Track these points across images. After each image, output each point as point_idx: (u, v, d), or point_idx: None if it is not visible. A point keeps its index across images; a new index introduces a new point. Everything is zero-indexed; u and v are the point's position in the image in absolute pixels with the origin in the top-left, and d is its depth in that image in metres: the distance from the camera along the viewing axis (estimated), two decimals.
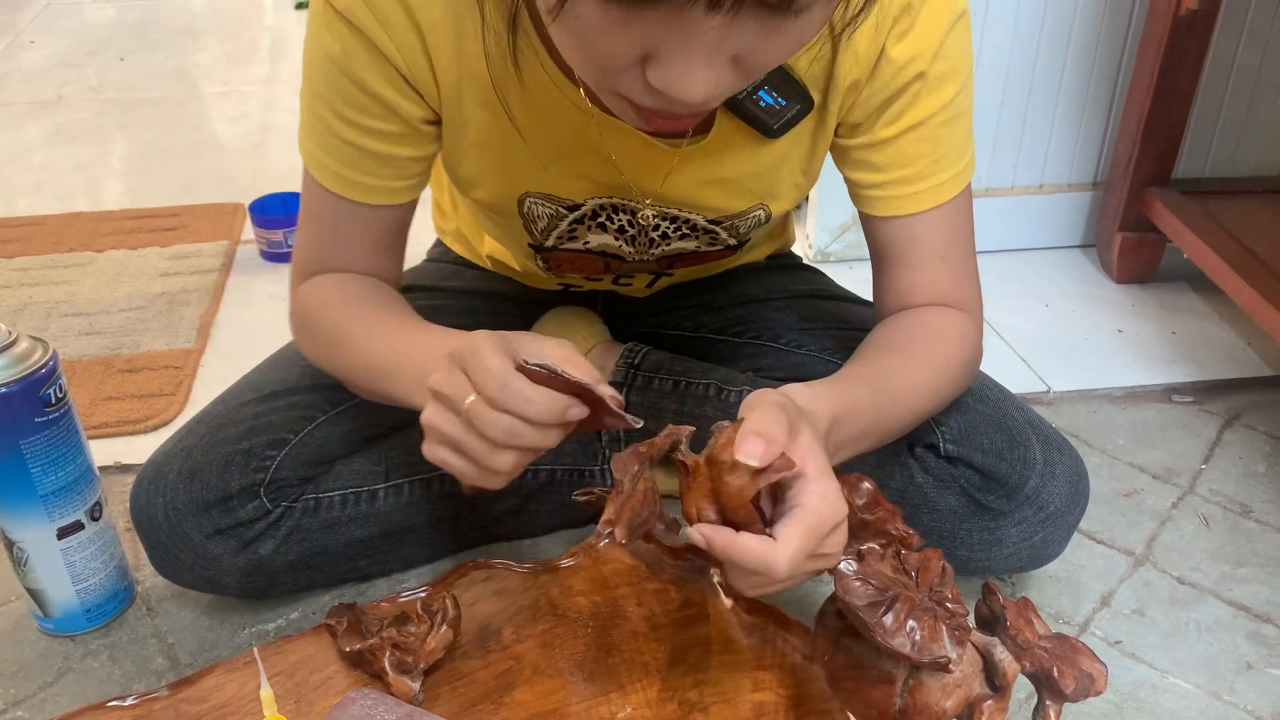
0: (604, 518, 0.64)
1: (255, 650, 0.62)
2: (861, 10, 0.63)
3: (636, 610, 0.82)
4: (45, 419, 0.82)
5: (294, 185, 1.57)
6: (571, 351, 0.66)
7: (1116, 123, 1.43)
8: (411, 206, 0.84)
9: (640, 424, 0.65)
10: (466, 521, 0.95)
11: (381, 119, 0.77)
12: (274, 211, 1.46)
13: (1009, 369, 1.26)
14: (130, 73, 2.25)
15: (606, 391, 0.64)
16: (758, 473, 0.59)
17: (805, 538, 0.59)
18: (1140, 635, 0.91)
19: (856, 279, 0.89)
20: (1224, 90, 1.43)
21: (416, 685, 0.75)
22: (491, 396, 0.62)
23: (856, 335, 0.93)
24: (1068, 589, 0.95)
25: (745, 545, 0.60)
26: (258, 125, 1.98)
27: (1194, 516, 1.04)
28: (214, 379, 1.23)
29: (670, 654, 0.79)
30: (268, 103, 2.09)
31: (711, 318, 1.05)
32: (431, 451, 0.68)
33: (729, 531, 0.61)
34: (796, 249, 1.13)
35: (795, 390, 0.68)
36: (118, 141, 1.91)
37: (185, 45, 2.44)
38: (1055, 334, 1.33)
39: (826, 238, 1.46)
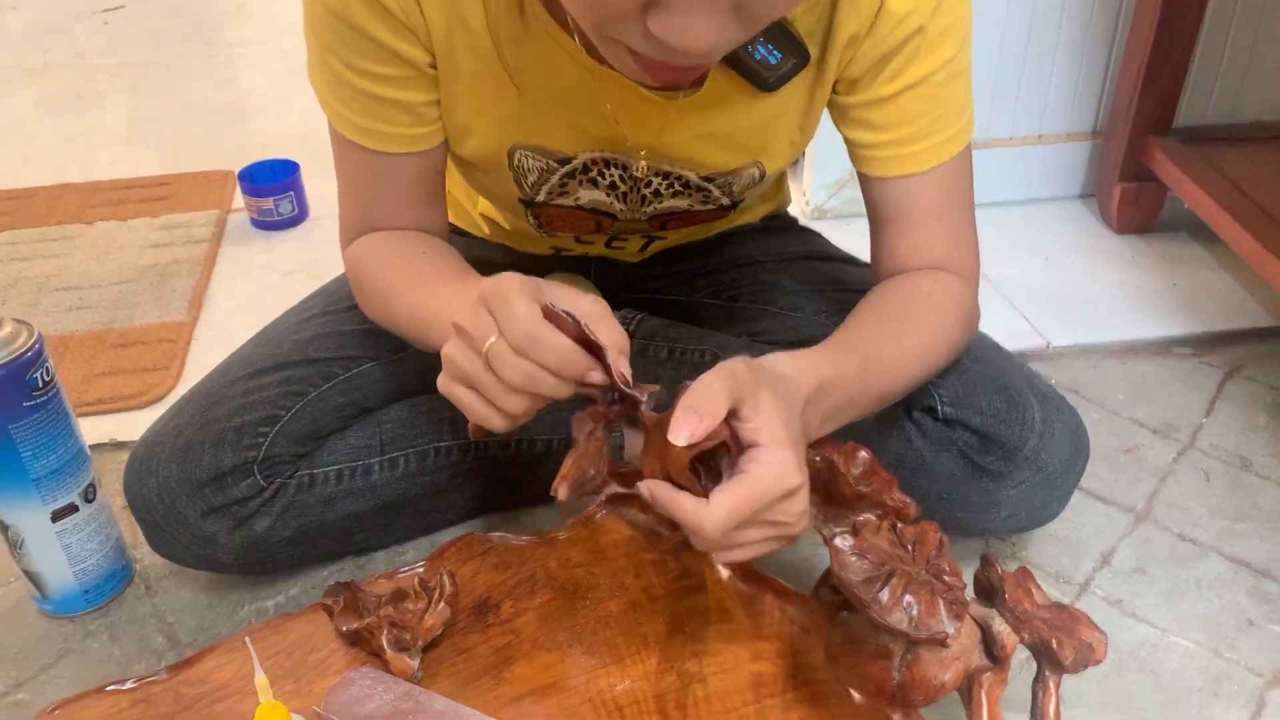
0: (557, 475, 0.65)
1: (247, 639, 0.62)
2: None
3: (634, 581, 0.82)
4: (33, 403, 0.81)
5: (281, 151, 1.57)
6: (604, 309, 0.65)
7: (1116, 69, 1.41)
8: (439, 154, 0.83)
9: (644, 399, 0.64)
10: (463, 493, 0.95)
11: (388, 64, 0.76)
12: (263, 180, 1.45)
13: (1009, 325, 1.25)
14: (114, 36, 2.22)
15: (618, 368, 0.63)
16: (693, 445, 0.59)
17: (736, 504, 0.60)
18: (1141, 594, 0.91)
19: (854, 234, 0.88)
20: (1227, 33, 1.40)
21: (415, 663, 0.74)
22: (515, 342, 0.62)
23: (853, 297, 0.92)
24: (1068, 548, 0.95)
25: (680, 504, 0.62)
26: (243, 89, 1.95)
27: (1195, 471, 1.04)
28: (207, 351, 1.22)
29: (668, 625, 0.78)
30: (251, 65, 2.06)
31: (706, 282, 1.03)
32: (446, 386, 0.67)
33: (669, 488, 0.63)
34: (793, 206, 1.11)
35: (781, 359, 0.68)
36: (104, 109, 1.89)
37: (167, 6, 2.39)
38: (1055, 287, 1.32)
39: (823, 194, 1.45)
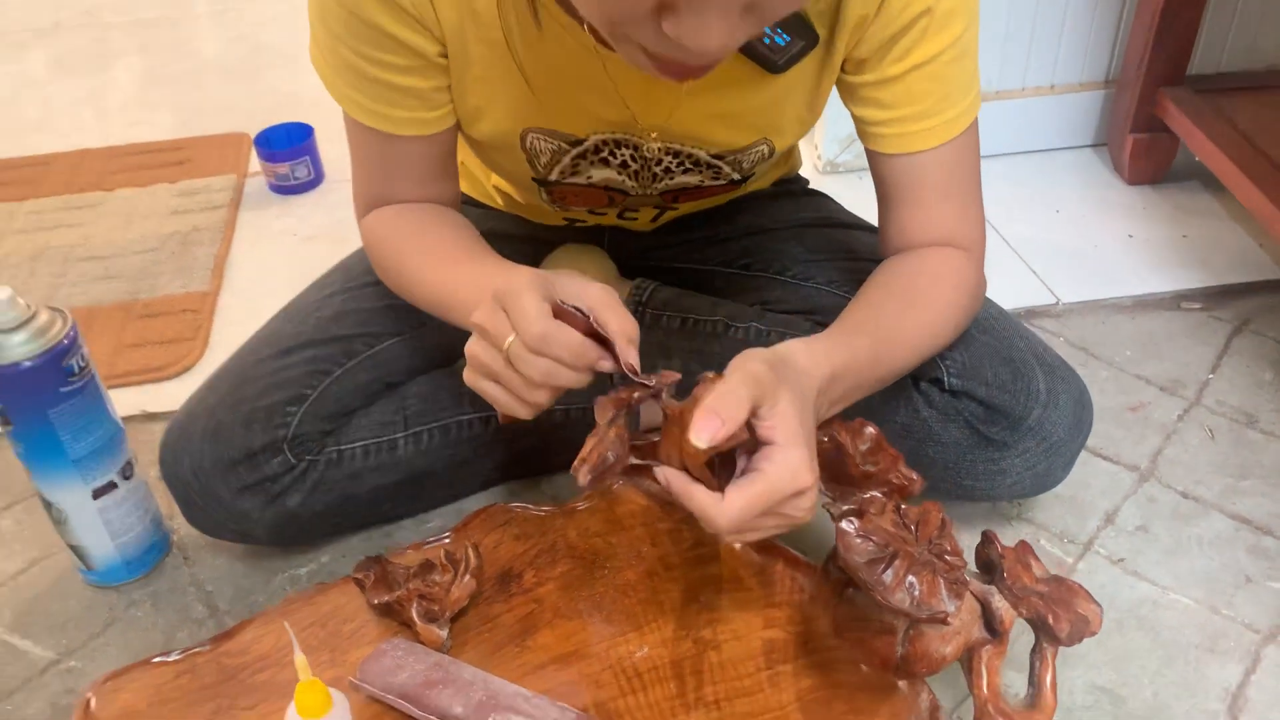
0: (578, 456, 0.68)
1: (287, 624, 0.66)
2: None
3: (651, 550, 0.85)
4: (70, 388, 0.84)
5: (293, 112, 1.58)
6: (612, 297, 0.68)
7: (1130, 17, 1.39)
8: (450, 135, 0.85)
9: (654, 385, 0.67)
10: (485, 462, 0.98)
11: (398, 54, 0.77)
12: (279, 145, 1.46)
13: (1019, 281, 1.26)
14: None
15: (626, 358, 0.66)
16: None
17: (749, 502, 0.63)
18: (1143, 552, 0.93)
19: (865, 188, 0.90)
20: None
21: (444, 633, 0.78)
22: (530, 341, 0.65)
23: (862, 265, 0.94)
24: (1073, 507, 0.98)
25: (695, 496, 0.65)
26: (254, 46, 1.95)
27: (1200, 429, 1.06)
28: (231, 321, 1.25)
29: (684, 593, 0.82)
30: (260, 21, 2.05)
31: (718, 250, 1.05)
32: (473, 381, 0.71)
33: (685, 479, 0.66)
34: (805, 160, 1.12)
35: (795, 350, 0.70)
36: (118, 70, 1.89)
37: None
38: (1065, 241, 1.33)
39: (835, 148, 1.45)
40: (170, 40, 2.00)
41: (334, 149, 1.50)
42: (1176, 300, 1.23)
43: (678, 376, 0.68)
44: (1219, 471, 1.01)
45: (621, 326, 0.66)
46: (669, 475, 0.66)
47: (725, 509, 0.63)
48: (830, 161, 1.46)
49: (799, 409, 0.64)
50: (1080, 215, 1.37)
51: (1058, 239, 1.33)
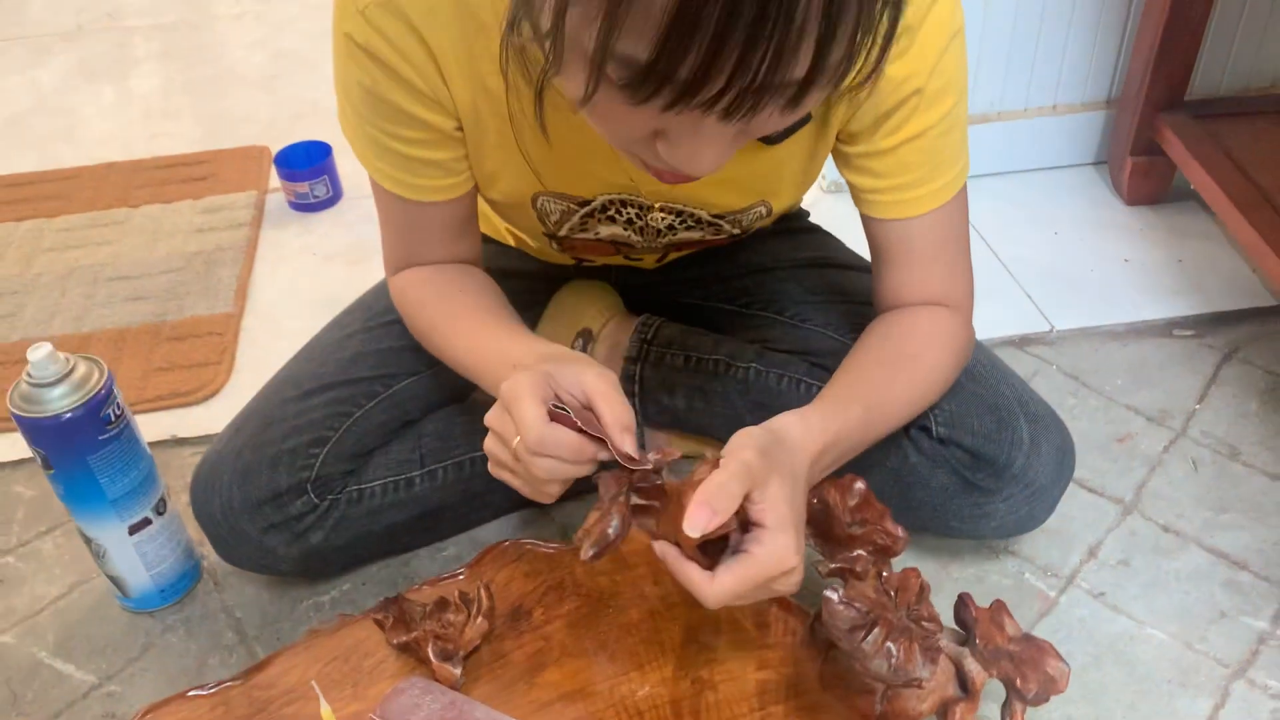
0: (581, 528, 0.74)
1: (314, 683, 0.71)
2: (869, 78, 0.66)
3: (653, 589, 0.90)
4: (107, 435, 0.90)
5: (315, 122, 1.62)
6: (609, 384, 0.73)
7: (1132, 39, 1.42)
8: (470, 197, 0.90)
9: (650, 465, 0.72)
10: (497, 494, 1.03)
11: (416, 129, 0.82)
12: (298, 164, 1.50)
13: (1014, 308, 1.29)
14: None
15: (622, 447, 0.71)
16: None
17: (737, 581, 0.68)
18: (1123, 586, 0.98)
19: None
20: (1242, 3, 1.40)
21: (458, 671, 0.84)
22: (530, 447, 0.71)
23: (857, 309, 0.98)
24: (1058, 541, 1.02)
25: (687, 574, 0.70)
26: (274, 52, 1.99)
27: (1184, 460, 1.10)
28: (254, 344, 1.30)
29: (684, 633, 0.87)
30: (279, 25, 2.09)
31: (720, 288, 1.09)
32: (495, 472, 0.78)
33: (679, 556, 0.71)
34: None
35: (789, 425, 0.74)
36: (139, 76, 1.94)
37: None
38: (1062, 265, 1.36)
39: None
40: (191, 45, 2.04)
41: (352, 167, 1.54)
42: (1169, 327, 1.27)
43: (677, 454, 0.73)
44: (1200, 504, 1.05)
45: (615, 417, 0.71)
46: (665, 551, 0.71)
47: (715, 589, 0.68)
48: (834, 182, 1.49)
49: (789, 492, 0.69)
50: (1078, 237, 1.41)
51: (1055, 262, 1.37)
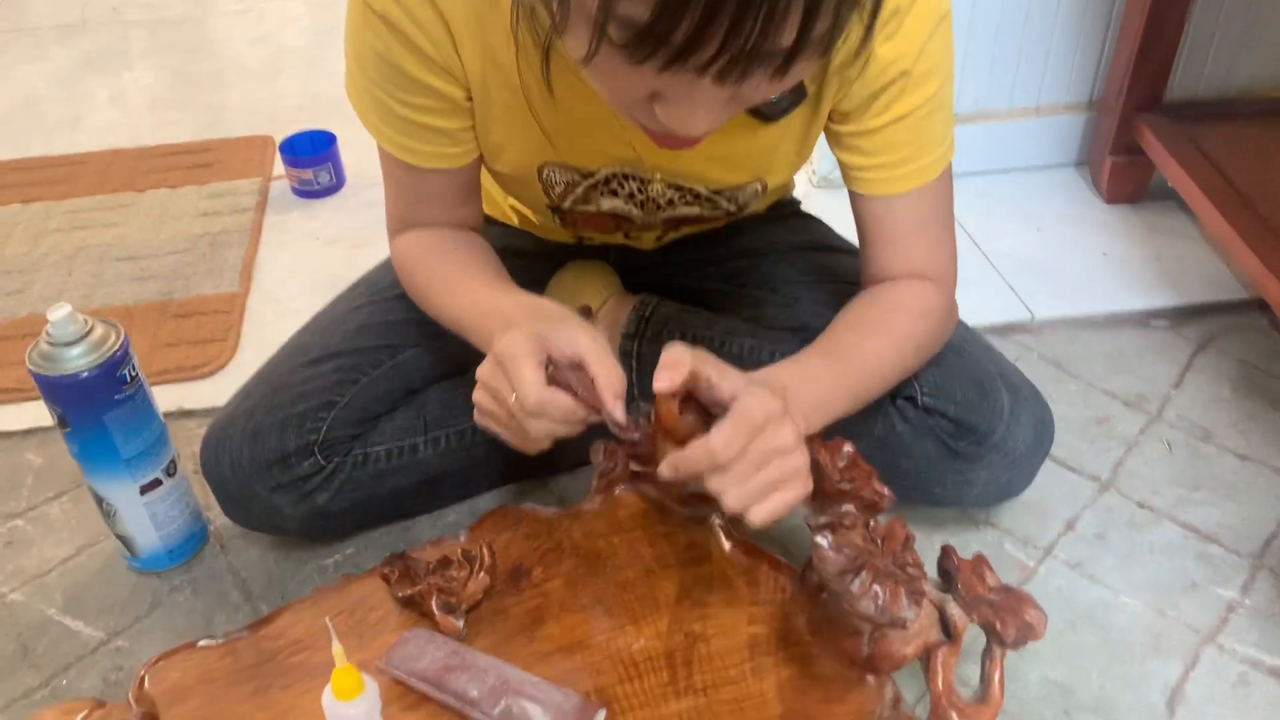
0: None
1: (328, 620, 0.75)
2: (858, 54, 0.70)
3: (648, 551, 0.94)
4: (123, 395, 0.93)
5: (317, 113, 1.66)
6: (602, 347, 0.77)
7: (1113, 42, 1.47)
8: (473, 167, 0.94)
9: (637, 436, 0.76)
10: (497, 465, 1.07)
11: (427, 97, 0.85)
12: (303, 151, 1.54)
13: (998, 298, 1.34)
14: None
15: (614, 414, 0.74)
16: (674, 393, 0.72)
17: (730, 428, 0.71)
18: (1098, 558, 1.02)
19: None
20: (1219, 8, 1.45)
21: (460, 623, 0.87)
22: (527, 409, 0.74)
23: (845, 288, 1.02)
24: (1037, 514, 1.06)
25: (689, 454, 0.73)
26: (277, 48, 2.03)
27: (1159, 442, 1.14)
28: (260, 322, 1.33)
29: (677, 590, 0.90)
30: (281, 22, 2.13)
31: (716, 270, 1.13)
32: (482, 422, 0.81)
33: (678, 452, 0.74)
34: (800, 176, 1.19)
35: (755, 373, 0.79)
36: (144, 69, 1.97)
37: None
38: (1044, 259, 1.41)
39: (829, 164, 1.53)
40: (194, 40, 2.07)
41: (354, 155, 1.58)
42: (1146, 318, 1.31)
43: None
44: (1174, 483, 1.09)
45: (608, 382, 0.75)
46: (666, 464, 0.74)
47: (713, 440, 0.71)
48: (825, 177, 1.54)
49: (750, 378, 0.74)
50: (1059, 233, 1.45)
51: (1037, 256, 1.41)
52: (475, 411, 0.80)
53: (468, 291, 0.91)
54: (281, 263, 1.45)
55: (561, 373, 0.74)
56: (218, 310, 1.33)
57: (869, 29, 0.70)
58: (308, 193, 1.56)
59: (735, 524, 0.94)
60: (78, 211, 1.54)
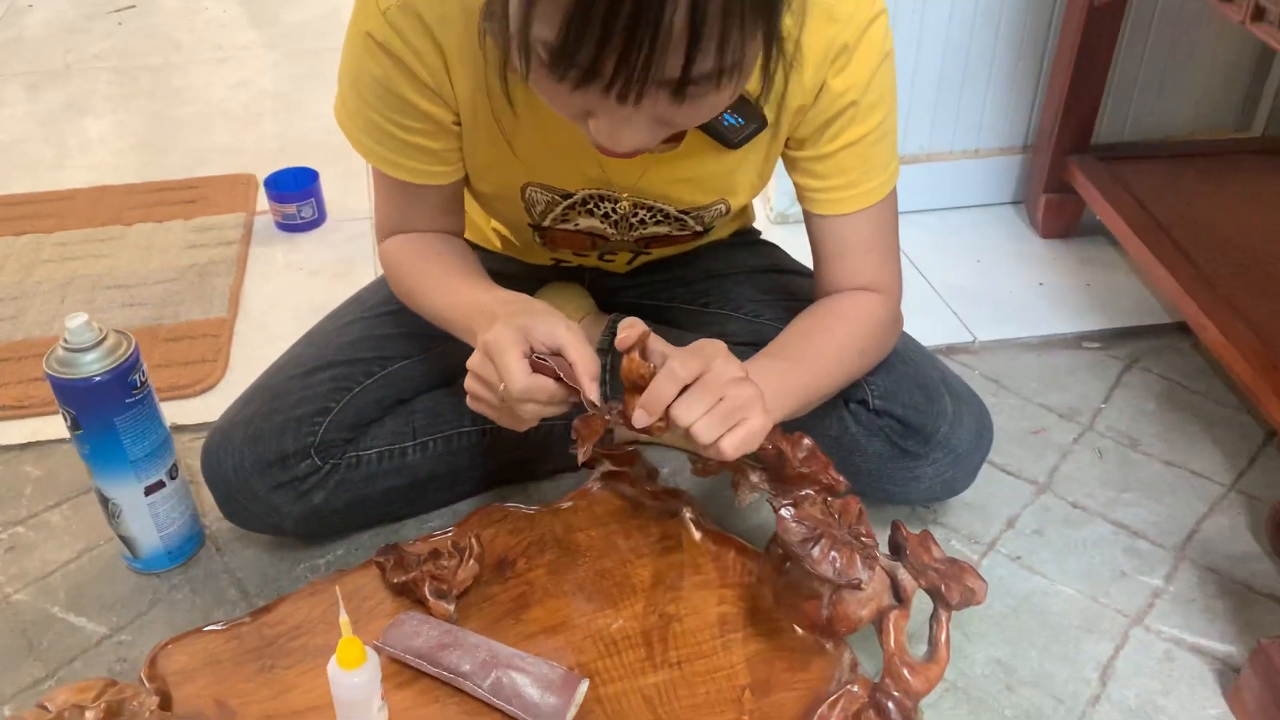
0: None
1: (336, 587, 0.81)
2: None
3: (624, 542, 1.01)
4: (133, 399, 0.99)
5: (298, 153, 1.73)
6: (578, 336, 0.85)
7: (1044, 91, 1.60)
8: (458, 185, 1.02)
9: (608, 415, 0.84)
10: (481, 470, 1.14)
11: (419, 120, 0.93)
12: (286, 187, 1.62)
13: (942, 322, 1.44)
14: (130, 39, 2.36)
15: (589, 393, 0.82)
16: (630, 348, 0.81)
17: (688, 353, 0.81)
18: (1037, 551, 1.11)
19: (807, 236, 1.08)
20: (1141, 58, 1.59)
21: (451, 608, 0.94)
22: (515, 395, 0.82)
23: (803, 306, 1.11)
24: (980, 514, 1.15)
25: (652, 388, 0.81)
26: (257, 93, 2.11)
27: (1091, 450, 1.24)
28: (247, 345, 1.40)
29: (652, 577, 0.98)
30: (261, 70, 2.21)
31: (683, 290, 1.22)
32: (475, 407, 0.89)
33: (645, 392, 0.82)
34: (759, 211, 1.29)
35: None
36: (128, 113, 2.04)
37: (178, 7, 2.54)
38: (984, 288, 1.52)
39: (786, 201, 1.63)
40: (176, 85, 2.15)
41: (336, 191, 1.66)
42: (1078, 340, 1.42)
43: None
44: (1105, 485, 1.19)
45: (585, 367, 0.83)
46: (638, 405, 0.82)
47: (671, 364, 0.80)
48: (781, 213, 1.64)
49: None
50: (998, 265, 1.57)
51: (978, 285, 1.52)
52: (468, 398, 0.88)
53: (452, 289, 0.99)
54: (267, 293, 1.52)
55: (543, 360, 0.82)
56: (207, 334, 1.40)
57: (766, 72, 0.81)
58: (291, 226, 1.63)
59: (704, 515, 1.02)
60: (68, 244, 1.60)
